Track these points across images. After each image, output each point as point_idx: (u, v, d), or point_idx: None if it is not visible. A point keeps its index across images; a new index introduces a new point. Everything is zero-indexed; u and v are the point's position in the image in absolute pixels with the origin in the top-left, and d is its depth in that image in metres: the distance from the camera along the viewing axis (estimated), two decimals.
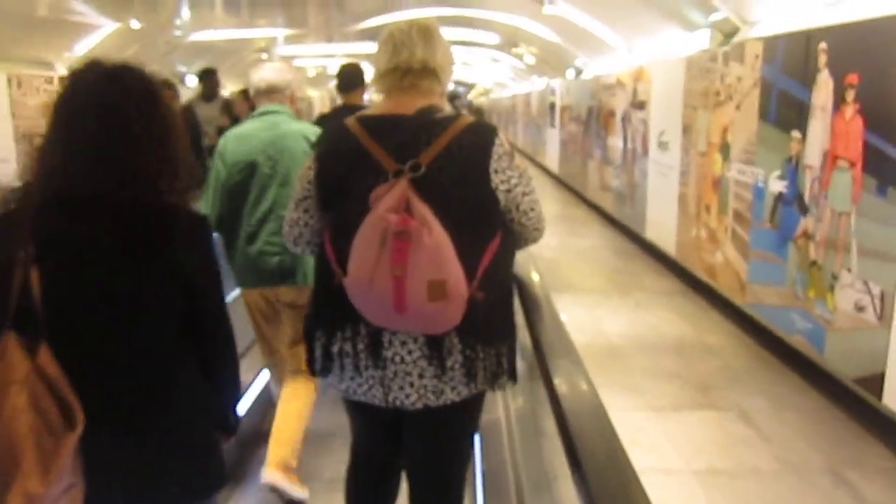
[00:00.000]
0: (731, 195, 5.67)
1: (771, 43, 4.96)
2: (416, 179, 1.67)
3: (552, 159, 15.51)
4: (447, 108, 1.88)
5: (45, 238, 1.39)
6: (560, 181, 14.60)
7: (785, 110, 4.78)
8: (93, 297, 1.41)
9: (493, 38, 14.49)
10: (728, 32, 5.96)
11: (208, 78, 7.08)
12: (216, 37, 12.87)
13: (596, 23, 9.08)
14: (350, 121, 1.81)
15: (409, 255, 1.60)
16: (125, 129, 1.44)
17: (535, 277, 2.51)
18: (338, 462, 2.44)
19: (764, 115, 5.05)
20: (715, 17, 6.06)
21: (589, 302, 6.42)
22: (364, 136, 1.76)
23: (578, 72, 12.76)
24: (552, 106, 15.65)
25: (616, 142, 9.67)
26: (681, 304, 6.32)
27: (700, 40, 6.36)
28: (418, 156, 1.70)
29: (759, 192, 5.15)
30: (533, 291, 2.41)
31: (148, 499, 1.48)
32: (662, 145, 7.49)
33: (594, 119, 11.13)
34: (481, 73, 28.31)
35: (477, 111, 23.33)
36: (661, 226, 7.57)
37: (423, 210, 1.62)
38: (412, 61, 1.81)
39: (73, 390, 1.32)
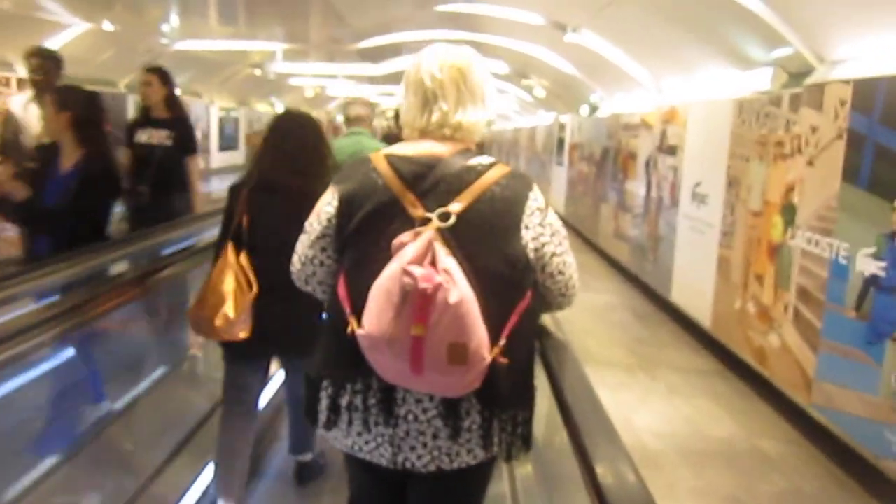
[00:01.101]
0: (795, 268, 4.67)
1: (865, 87, 3.99)
2: (443, 230, 1.56)
3: (558, 198, 14.54)
4: (484, 156, 1.70)
5: (252, 200, 2.71)
6: (566, 222, 13.56)
7: (884, 172, 3.80)
8: (271, 232, 2.61)
9: (503, 68, 13.57)
10: (796, 72, 5.00)
11: None
12: (206, 47, 11.87)
13: (622, 55, 8.15)
14: (377, 158, 1.70)
15: (431, 315, 1.47)
16: (305, 147, 2.78)
17: (560, 336, 2.22)
18: None
19: (851, 175, 4.06)
20: (780, 53, 5.10)
21: (611, 382, 5.38)
22: (391, 178, 1.65)
23: (593, 108, 11.83)
24: (560, 142, 14.74)
25: (636, 187, 8.69)
26: (722, 392, 5.28)
27: (757, 80, 5.40)
28: (448, 204, 1.59)
29: (838, 270, 4.15)
30: (560, 353, 2.08)
31: (287, 336, 2.74)
32: (698, 198, 6.50)
33: (610, 160, 10.18)
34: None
35: (479, 144, 22.26)
36: (693, 291, 6.56)
37: (449, 264, 1.50)
38: (444, 123, 1.70)
39: (256, 274, 2.65)
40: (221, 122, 15.31)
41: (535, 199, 1.67)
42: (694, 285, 6.55)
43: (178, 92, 12.39)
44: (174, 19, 10.56)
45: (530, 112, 19.48)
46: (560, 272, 1.73)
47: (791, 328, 4.68)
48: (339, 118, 27.63)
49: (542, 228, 1.67)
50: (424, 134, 1.72)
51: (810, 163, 4.51)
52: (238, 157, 16.72)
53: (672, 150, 7.35)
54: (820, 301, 4.34)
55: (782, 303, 4.83)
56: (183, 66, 12.63)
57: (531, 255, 1.65)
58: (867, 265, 3.88)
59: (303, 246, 1.79)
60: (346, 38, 10.99)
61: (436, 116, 1.70)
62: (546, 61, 10.81)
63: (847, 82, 4.16)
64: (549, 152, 16.22)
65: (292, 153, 2.73)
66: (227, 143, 15.75)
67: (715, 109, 6.25)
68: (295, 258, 1.81)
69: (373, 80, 18.50)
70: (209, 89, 14.51)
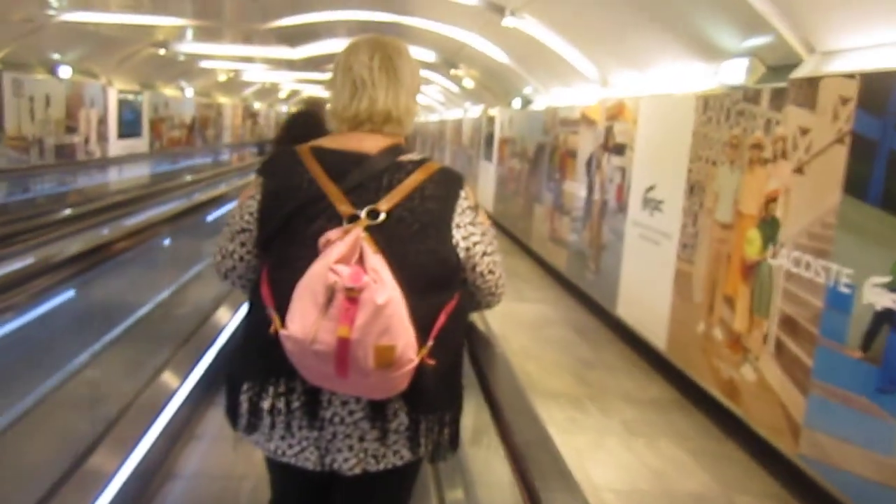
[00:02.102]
0: (777, 292, 4.00)
1: (877, 82, 3.32)
2: (371, 228, 1.51)
3: (486, 196, 13.81)
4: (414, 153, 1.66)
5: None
6: (495, 222, 12.89)
7: None
8: None
9: (429, 56, 12.72)
10: (776, 64, 4.34)
11: None
12: (103, 20, 10.53)
13: (564, 44, 7.42)
14: (304, 151, 1.63)
15: (357, 316, 1.40)
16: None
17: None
18: None
19: (856, 187, 3.39)
20: (758, 41, 4.42)
21: (560, 418, 4.63)
22: (318, 173, 1.58)
23: (526, 101, 11.12)
24: (489, 137, 14.01)
25: (576, 188, 8.00)
26: (686, 431, 4.59)
27: (728, 73, 4.71)
28: (377, 202, 1.55)
29: (837, 300, 3.48)
30: (488, 350, 2.04)
31: None
32: (651, 204, 5.82)
33: (546, 157, 9.47)
34: None
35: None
36: (644, 308, 5.88)
37: (377, 264, 1.45)
38: (373, 111, 1.65)
39: None
40: (121, 106, 13.89)
41: (467, 197, 1.65)
42: (645, 301, 5.87)
43: (67, 70, 10.96)
44: None
45: (457, 104, 18.70)
46: (490, 271, 1.71)
47: (771, 362, 4.01)
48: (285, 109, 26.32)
49: (474, 227, 1.65)
50: (353, 125, 1.68)
51: (799, 170, 3.84)
52: (141, 145, 15.29)
53: (619, 150, 6.66)
54: (811, 334, 3.67)
55: (759, 331, 4.16)
56: (73, 41, 11.25)
57: (461, 254, 1.63)
58: (879, 297, 3.22)
59: (223, 238, 1.70)
60: (259, 16, 9.90)
61: (364, 104, 1.65)
62: (478, 49, 10.02)
63: (851, 76, 3.48)
64: (477, 147, 15.48)
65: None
66: (129, 130, 14.34)
67: (673, 105, 5.57)
68: (216, 249, 1.73)
69: (291, 66, 17.35)
70: (106, 69, 13.10)
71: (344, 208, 1.54)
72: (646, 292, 5.87)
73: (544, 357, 5.93)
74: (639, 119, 6.23)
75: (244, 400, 1.61)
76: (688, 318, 5.08)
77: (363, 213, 1.53)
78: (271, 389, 1.59)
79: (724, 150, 4.68)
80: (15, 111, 10.02)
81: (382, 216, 1.53)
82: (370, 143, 1.64)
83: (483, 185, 14.20)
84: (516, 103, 11.43)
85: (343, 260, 1.44)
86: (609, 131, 6.97)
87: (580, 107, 8.00)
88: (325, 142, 1.68)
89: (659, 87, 6.09)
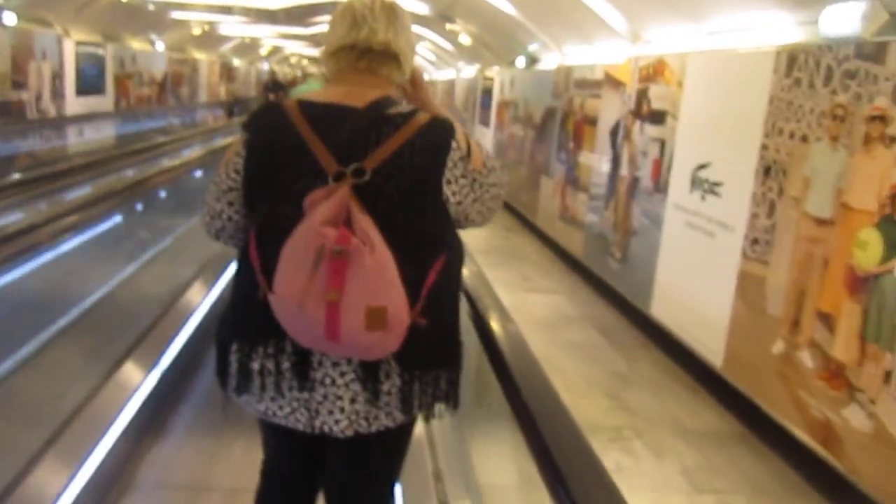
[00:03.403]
0: None
1: None
2: (359, 186, 1.45)
3: None
4: (405, 105, 1.61)
5: None
6: None
7: None
8: None
9: (422, 8, 11.48)
10: None
11: None
12: None
13: None
14: (290, 105, 1.58)
15: (346, 278, 1.39)
16: None
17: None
18: None
19: None
20: None
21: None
22: (304, 128, 1.52)
23: (532, 60, 9.96)
24: (485, 99, 12.85)
25: (596, 161, 6.91)
26: (764, 483, 3.59)
27: (832, 21, 3.61)
28: (364, 158, 1.48)
29: None
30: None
31: None
32: (704, 185, 4.75)
33: (556, 124, 8.36)
34: None
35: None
36: (690, 311, 4.86)
37: (365, 224, 1.41)
38: (373, 40, 1.59)
39: None
40: (80, 59, 12.51)
41: (458, 147, 1.57)
42: (693, 304, 4.84)
43: (12, 17, 9.57)
44: None
45: (449, 64, 17.45)
46: (481, 215, 1.66)
47: None
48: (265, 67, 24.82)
49: (465, 180, 1.59)
50: (349, 62, 1.62)
51: None
52: (104, 103, 13.92)
53: (657, 117, 5.57)
54: None
55: (877, 365, 3.14)
56: None
57: (452, 208, 1.58)
58: None
59: (211, 197, 1.63)
60: None
61: (364, 33, 1.59)
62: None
63: None
64: (472, 110, 14.32)
65: None
66: (89, 86, 12.98)
67: (739, 63, 4.47)
68: (204, 210, 1.66)
69: (272, 19, 15.98)
70: (62, 17, 11.72)
71: (329, 166, 1.48)
72: (694, 293, 4.83)
73: (569, 369, 4.90)
74: (686, 81, 5.13)
75: (233, 361, 1.59)
76: (757, 333, 4.06)
77: (349, 171, 1.46)
78: (261, 350, 1.56)
79: (820, 122, 3.61)
80: None
81: (368, 174, 1.47)
82: (358, 95, 1.58)
83: None
84: (520, 62, 10.26)
85: (330, 220, 1.40)
86: (642, 95, 5.87)
87: (603, 66, 6.88)
88: (312, 95, 1.64)
89: (715, 41, 4.98)
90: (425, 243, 1.53)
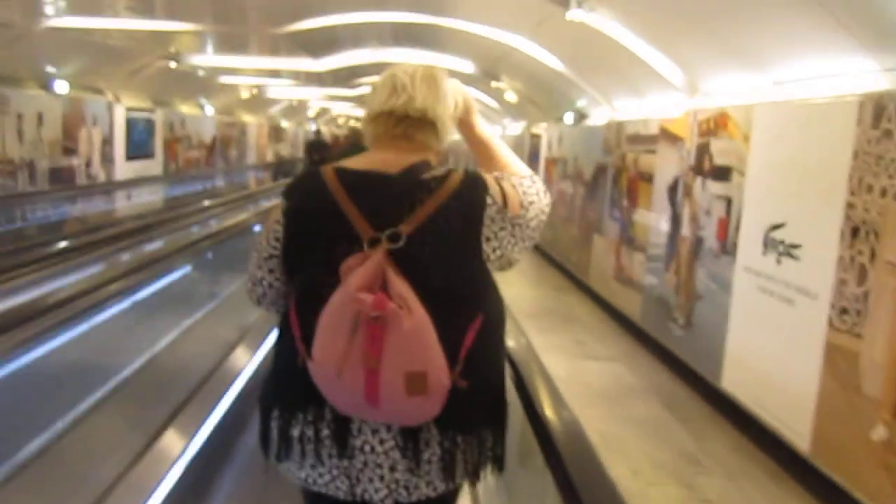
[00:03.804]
0: None
1: None
2: (394, 251, 1.47)
3: None
4: (439, 168, 1.63)
5: None
6: (540, 251, 11.44)
7: None
8: None
9: (467, 67, 11.37)
10: None
11: None
12: (96, 25, 9.29)
13: (641, 43, 5.99)
14: (327, 172, 1.61)
15: (384, 344, 1.40)
16: None
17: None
18: None
19: None
20: None
21: None
22: (340, 195, 1.55)
23: (581, 115, 9.69)
24: (533, 157, 12.60)
25: (654, 220, 6.53)
26: None
27: None
28: (399, 223, 1.50)
29: None
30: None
31: None
32: (779, 247, 4.34)
33: (608, 181, 8.02)
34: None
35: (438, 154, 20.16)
36: (769, 386, 4.38)
37: (401, 288, 1.43)
38: (410, 107, 1.63)
39: None
40: (130, 124, 12.68)
41: (493, 202, 1.58)
42: (771, 378, 4.37)
43: (64, 85, 9.70)
44: None
45: (494, 121, 17.33)
46: (522, 252, 1.65)
47: None
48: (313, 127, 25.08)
49: (505, 231, 1.60)
50: (387, 127, 1.65)
51: None
52: (154, 166, 14.08)
53: (720, 174, 5.19)
54: None
55: None
56: (72, 51, 10.06)
57: (495, 263, 1.60)
58: None
59: (252, 265, 1.68)
60: (277, 20, 8.61)
61: (402, 99, 1.63)
62: (525, 55, 8.61)
63: None
64: None
65: None
66: (138, 151, 13.13)
67: (816, 114, 4.10)
68: (247, 277, 1.70)
69: (318, 81, 16.13)
70: (112, 84, 11.92)
71: (364, 231, 1.50)
72: (772, 365, 4.37)
73: (633, 450, 4.45)
74: (752, 134, 4.76)
75: (274, 427, 1.60)
76: (852, 415, 3.58)
77: (384, 237, 1.48)
78: (301, 417, 1.56)
79: None
80: None
81: (404, 239, 1.48)
82: (394, 161, 1.60)
83: None
84: (568, 118, 10.00)
85: (366, 286, 1.41)
86: (703, 150, 5.51)
87: (657, 120, 6.55)
88: (349, 162, 1.65)
89: (783, 91, 4.62)
90: (463, 304, 1.53)
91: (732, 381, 4.88)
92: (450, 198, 1.54)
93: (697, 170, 5.59)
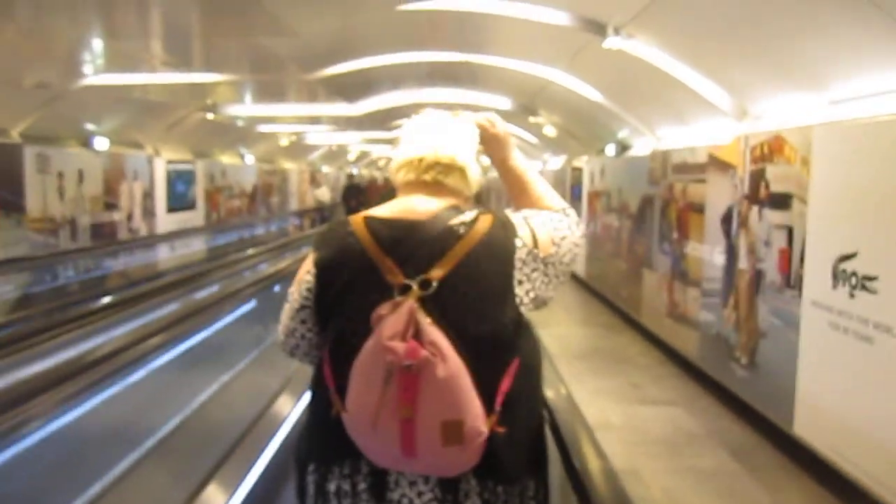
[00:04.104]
0: None
1: None
2: (426, 298, 1.46)
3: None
4: (468, 212, 1.61)
5: None
6: (586, 287, 11.08)
7: None
8: None
9: (504, 103, 11.20)
10: None
11: None
12: (138, 81, 9.36)
13: (684, 68, 5.70)
14: (356, 221, 1.61)
15: (418, 393, 1.37)
16: None
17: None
18: None
19: None
20: None
21: None
22: (369, 243, 1.55)
23: (623, 147, 9.40)
24: (575, 191, 12.30)
25: (707, 253, 6.16)
26: None
27: None
28: (430, 270, 1.50)
29: None
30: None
31: None
32: (849, 280, 3.96)
33: (656, 213, 7.67)
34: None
35: (476, 194, 20.01)
36: (851, 433, 3.97)
37: (434, 335, 1.40)
38: (440, 154, 1.65)
39: None
40: (170, 177, 12.77)
41: (524, 244, 1.58)
42: (854, 425, 3.96)
43: (104, 142, 9.77)
44: (97, 44, 8.07)
45: (534, 157, 17.11)
46: (556, 289, 1.63)
47: None
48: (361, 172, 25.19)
49: (537, 272, 1.58)
50: (416, 175, 1.65)
51: None
52: (196, 218, 14.16)
53: (779, 201, 4.83)
54: None
55: None
56: (109, 108, 10.16)
57: (528, 306, 1.57)
58: None
59: (285, 316, 1.67)
60: (307, 66, 8.55)
61: (430, 148, 1.65)
62: (562, 87, 8.39)
63: None
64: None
65: None
66: (179, 203, 13.20)
67: (885, 133, 3.75)
68: (280, 328, 1.69)
69: (356, 125, 16.13)
70: (151, 138, 12.03)
71: (395, 279, 1.49)
72: (852, 410, 3.97)
73: None
74: (812, 158, 4.41)
75: (311, 482, 1.57)
76: None
77: (415, 284, 1.47)
78: (336, 471, 1.53)
79: None
80: (39, 190, 8.86)
81: (434, 285, 1.47)
82: (424, 208, 1.60)
83: None
84: (609, 150, 9.70)
85: (397, 335, 1.39)
86: (757, 177, 5.16)
87: (705, 147, 6.22)
88: (378, 210, 1.65)
89: (843, 111, 4.28)
90: (497, 348, 1.49)
91: (806, 427, 4.46)
92: (479, 243, 1.52)
93: (752, 198, 5.24)
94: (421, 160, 1.64)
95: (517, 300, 1.54)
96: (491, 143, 1.82)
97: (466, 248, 1.52)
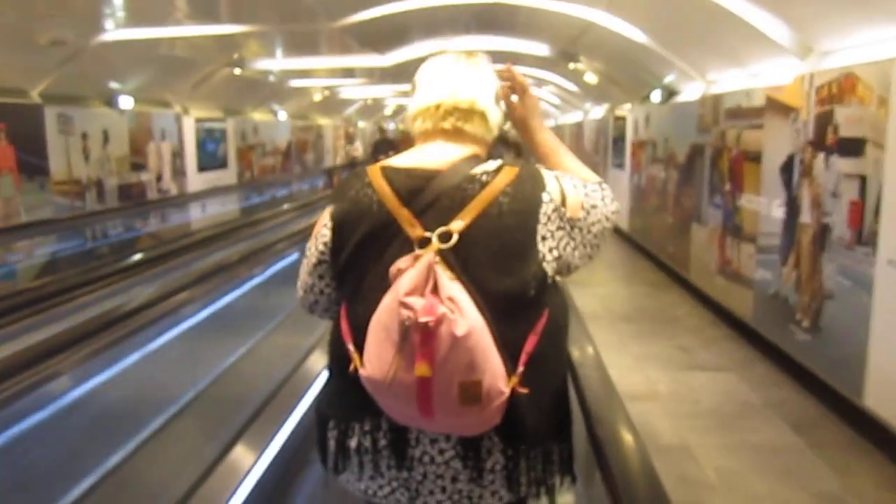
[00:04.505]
0: None
1: None
2: (446, 252, 1.40)
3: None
4: (492, 160, 1.54)
5: None
6: (632, 242, 10.58)
7: None
8: None
9: (542, 49, 10.61)
10: None
11: None
12: (160, 35, 9.02)
13: (740, 2, 5.12)
14: (373, 172, 1.54)
15: (436, 351, 1.31)
16: None
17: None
18: None
19: None
20: None
21: None
22: (387, 195, 1.48)
23: (670, 93, 8.79)
24: (618, 140, 11.72)
25: (765, 206, 5.64)
26: None
27: None
28: (449, 222, 1.43)
29: None
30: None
31: None
32: None
33: (706, 163, 7.13)
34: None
35: (514, 144, 19.45)
36: None
37: (454, 291, 1.34)
38: (458, 100, 1.56)
39: None
40: (200, 135, 12.49)
41: (551, 199, 1.50)
42: None
43: (129, 101, 9.52)
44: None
45: (575, 106, 16.45)
46: (583, 258, 1.56)
47: None
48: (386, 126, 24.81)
49: (562, 231, 1.50)
50: (435, 122, 1.57)
51: None
52: (228, 176, 13.92)
53: (852, 148, 4.30)
54: None
55: None
56: (133, 65, 9.85)
57: (550, 267, 1.48)
58: None
59: (303, 271, 1.62)
60: (333, 13, 8.09)
61: (449, 92, 1.57)
62: (605, 30, 7.80)
63: None
64: (603, 153, 13.20)
65: None
66: (211, 162, 12.94)
67: None
68: (298, 284, 1.64)
69: (392, 77, 15.64)
70: (179, 96, 11.73)
71: (414, 232, 1.43)
72: None
73: (763, 493, 3.65)
74: (892, 97, 3.87)
75: (331, 438, 1.54)
76: None
77: (435, 236, 1.41)
78: (357, 428, 1.50)
79: None
80: (63, 151, 8.63)
81: (455, 238, 1.41)
82: (443, 157, 1.53)
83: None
84: (655, 96, 9.10)
85: (415, 290, 1.34)
86: (824, 121, 4.62)
87: (763, 89, 5.65)
88: (395, 160, 1.58)
89: None
90: (522, 305, 1.43)
91: (880, 400, 4.00)
92: (502, 193, 1.45)
93: (818, 145, 4.70)
94: (438, 106, 1.56)
95: (539, 256, 1.46)
96: (515, 108, 1.72)
97: (488, 198, 1.44)
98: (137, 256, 7.10)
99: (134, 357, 5.10)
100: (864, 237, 4.13)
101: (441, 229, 1.42)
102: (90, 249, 8.93)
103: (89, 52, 8.23)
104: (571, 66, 10.96)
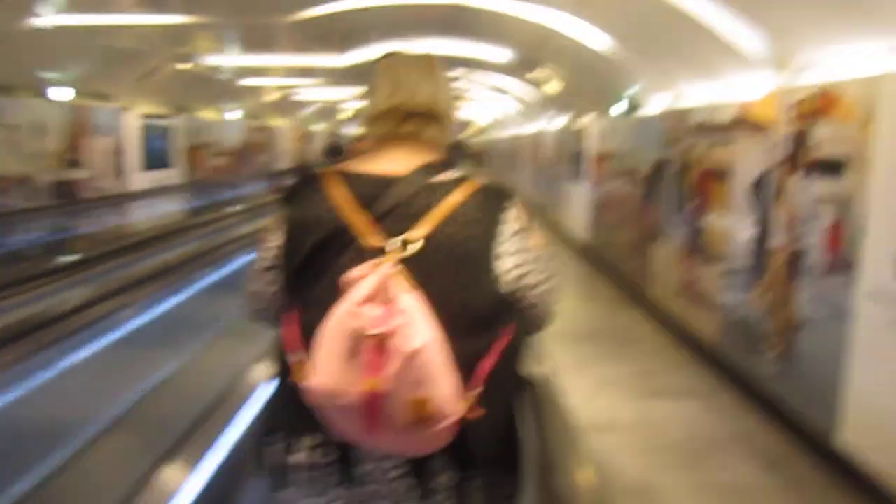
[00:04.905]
0: None
1: None
2: (404, 261, 1.35)
3: (578, 223, 11.28)
4: (451, 168, 1.52)
5: None
6: (592, 256, 10.34)
7: None
8: None
9: (504, 55, 10.33)
10: None
11: None
12: (98, 22, 8.43)
13: (708, 8, 4.86)
14: (329, 176, 1.49)
15: (386, 365, 1.26)
16: None
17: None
18: None
19: None
20: None
21: None
22: (342, 200, 1.44)
23: (634, 105, 8.56)
24: (579, 153, 11.49)
25: (731, 225, 5.40)
26: None
27: None
28: (407, 230, 1.39)
29: None
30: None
31: None
32: None
33: (670, 178, 6.88)
34: (478, 109, 24.25)
35: (475, 155, 19.25)
36: None
37: (408, 303, 1.30)
38: (415, 103, 1.53)
39: None
40: (146, 132, 11.88)
41: (516, 218, 1.48)
42: None
43: (68, 92, 8.93)
44: None
45: (535, 116, 16.24)
46: (539, 304, 1.52)
47: None
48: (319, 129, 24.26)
49: (522, 256, 1.46)
50: (391, 127, 1.53)
51: None
52: (174, 176, 13.32)
53: (830, 169, 4.05)
54: None
55: None
56: (73, 54, 9.26)
57: (506, 287, 1.45)
58: None
59: (252, 277, 1.57)
60: (285, 8, 7.67)
61: (405, 96, 1.53)
62: (569, 38, 7.53)
63: None
64: (566, 165, 12.97)
65: None
66: (156, 161, 12.33)
67: None
68: (246, 290, 1.59)
69: (349, 79, 15.23)
70: (123, 90, 11.14)
71: (370, 240, 1.39)
72: None
73: None
74: (878, 116, 3.62)
75: (276, 452, 1.47)
76: None
77: (391, 245, 1.37)
78: (304, 442, 1.43)
79: None
80: None
81: (412, 247, 1.37)
82: (402, 162, 1.49)
83: (573, 212, 11.67)
84: (619, 108, 8.86)
85: (370, 300, 1.29)
86: (800, 139, 4.37)
87: (734, 105, 5.41)
88: (353, 163, 1.53)
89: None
90: (482, 323, 1.39)
91: (856, 439, 3.74)
92: (464, 203, 1.42)
93: (793, 164, 4.45)
94: (396, 110, 1.52)
95: (494, 274, 1.42)
96: None
97: (449, 207, 1.41)
98: (66, 259, 6.58)
99: (51, 372, 4.72)
100: (842, 264, 3.87)
101: (401, 237, 1.37)
102: (12, 251, 8.33)
103: (17, 37, 7.64)
104: (532, 73, 10.71)
